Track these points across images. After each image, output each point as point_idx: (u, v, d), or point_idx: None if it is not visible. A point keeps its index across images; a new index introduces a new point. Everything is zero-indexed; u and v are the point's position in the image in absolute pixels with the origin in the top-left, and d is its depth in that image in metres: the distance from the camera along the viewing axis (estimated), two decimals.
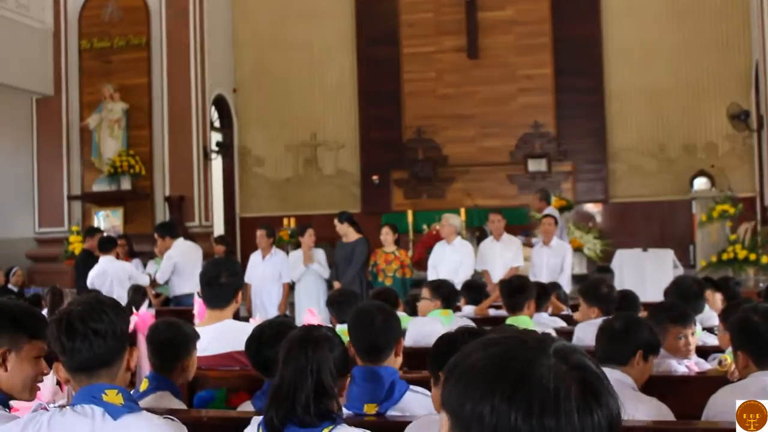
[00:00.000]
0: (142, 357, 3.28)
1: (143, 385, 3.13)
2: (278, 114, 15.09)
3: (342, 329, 3.46)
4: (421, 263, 10.46)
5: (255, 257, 9.13)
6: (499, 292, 5.52)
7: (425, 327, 4.89)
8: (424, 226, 12.47)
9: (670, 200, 13.38)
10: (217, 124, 14.99)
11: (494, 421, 1.00)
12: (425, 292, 5.51)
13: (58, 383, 3.14)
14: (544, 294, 6.00)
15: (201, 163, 13.53)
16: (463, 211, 12.09)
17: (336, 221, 8.81)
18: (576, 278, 9.31)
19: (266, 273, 8.95)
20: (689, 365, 3.74)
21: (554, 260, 8.67)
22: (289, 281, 8.96)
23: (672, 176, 13.62)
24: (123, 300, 7.85)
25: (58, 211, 13.69)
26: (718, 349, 4.08)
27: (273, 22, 15.10)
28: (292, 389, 2.24)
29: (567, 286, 8.47)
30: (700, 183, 12.58)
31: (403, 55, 14.66)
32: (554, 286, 7.00)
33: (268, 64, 15.06)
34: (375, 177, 14.54)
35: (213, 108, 14.57)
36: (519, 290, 5.03)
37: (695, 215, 11.45)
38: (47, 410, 2.17)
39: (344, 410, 2.55)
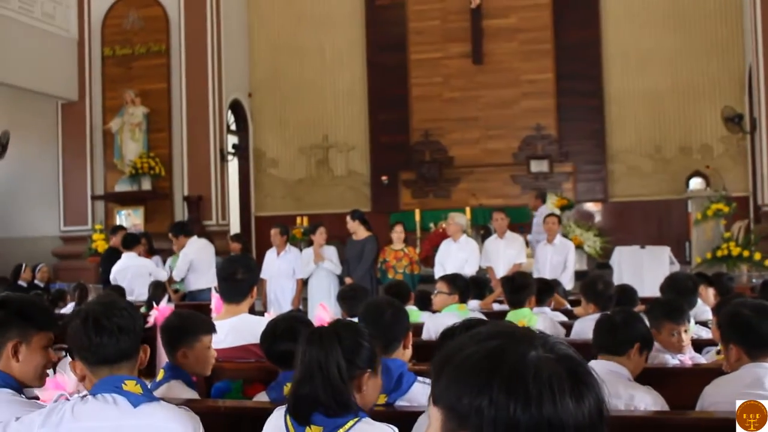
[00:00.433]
0: (160, 349, 3.32)
1: (159, 375, 3.20)
2: (292, 117, 15.16)
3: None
4: (427, 260, 10.65)
5: (270, 254, 9.29)
6: (502, 288, 5.57)
7: (444, 321, 4.91)
8: (431, 225, 12.40)
9: (667, 200, 13.41)
10: (233, 127, 15.10)
11: (493, 414, 1.00)
12: (442, 286, 5.46)
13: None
14: (547, 290, 5.98)
15: (218, 164, 13.69)
16: (468, 210, 12.09)
17: (348, 218, 9.04)
18: (577, 274, 9.30)
19: (280, 269, 9.10)
20: (683, 359, 3.81)
21: (557, 257, 8.78)
22: (301, 277, 9.13)
23: (668, 177, 13.67)
24: (142, 295, 8.08)
25: (82, 211, 13.84)
26: (712, 342, 4.19)
27: (287, 30, 15.18)
28: (316, 378, 2.22)
29: (569, 283, 8.69)
30: (696, 183, 12.44)
31: (410, 61, 14.74)
32: (554, 283, 6.97)
33: (282, 69, 15.14)
34: (384, 178, 14.60)
35: (229, 112, 14.69)
36: (521, 287, 5.10)
37: (691, 214, 11.50)
38: (68, 399, 2.25)
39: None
